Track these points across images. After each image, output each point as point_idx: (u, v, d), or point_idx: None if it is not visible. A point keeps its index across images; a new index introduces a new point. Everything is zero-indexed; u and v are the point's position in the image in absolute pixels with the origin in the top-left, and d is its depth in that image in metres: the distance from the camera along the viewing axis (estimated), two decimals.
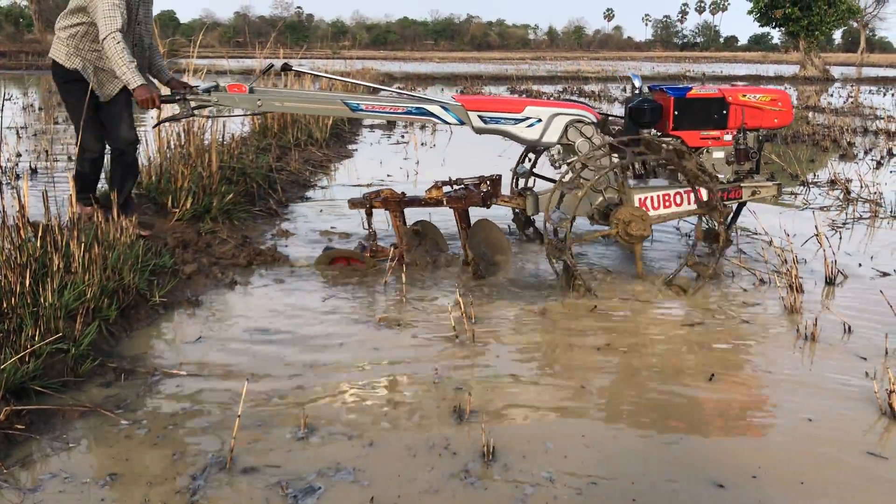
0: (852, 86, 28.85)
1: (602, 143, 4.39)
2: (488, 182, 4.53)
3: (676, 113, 4.40)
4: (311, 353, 3.37)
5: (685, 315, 3.85)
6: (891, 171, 8.30)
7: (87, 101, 4.16)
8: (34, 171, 7.16)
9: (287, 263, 4.63)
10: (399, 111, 4.37)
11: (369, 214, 4.54)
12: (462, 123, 4.44)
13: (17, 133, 9.94)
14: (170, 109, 4.82)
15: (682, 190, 4.32)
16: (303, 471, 2.42)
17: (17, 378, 2.71)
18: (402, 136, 11.39)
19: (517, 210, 5.07)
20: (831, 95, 23.42)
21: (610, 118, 4.83)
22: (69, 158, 8.07)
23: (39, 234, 3.62)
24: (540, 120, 4.44)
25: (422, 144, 10.36)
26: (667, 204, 4.31)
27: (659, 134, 4.50)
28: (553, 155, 4.55)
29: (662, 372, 3.20)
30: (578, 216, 4.27)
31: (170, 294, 3.91)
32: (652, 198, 4.29)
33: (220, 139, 6.60)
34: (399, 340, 3.53)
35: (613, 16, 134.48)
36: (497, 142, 10.78)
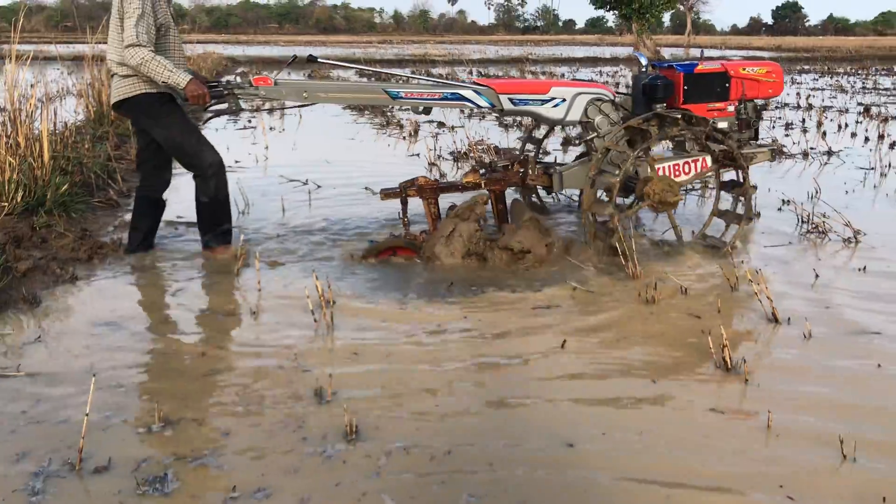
0: None
1: (617, 119, 4.62)
2: (519, 163, 4.67)
3: (686, 88, 4.63)
4: (160, 346, 3.26)
5: (536, 294, 3.98)
6: None
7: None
8: None
9: (129, 255, 4.43)
10: (436, 97, 4.38)
11: (404, 203, 4.43)
12: (493, 107, 4.48)
13: None
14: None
15: (691, 158, 4.56)
16: (158, 463, 2.35)
17: None
18: (250, 122, 11.10)
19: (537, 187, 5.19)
20: None
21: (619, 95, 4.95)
22: None
23: None
24: (564, 100, 4.56)
25: (270, 129, 10.14)
26: (686, 170, 4.55)
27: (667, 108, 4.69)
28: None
29: (516, 344, 3.32)
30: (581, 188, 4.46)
31: (2, 294, 3.66)
32: (668, 167, 4.48)
33: (53, 127, 6.21)
34: (254, 327, 3.48)
35: (457, 0, 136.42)
36: (348, 126, 10.75)
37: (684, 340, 3.34)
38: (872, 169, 7.23)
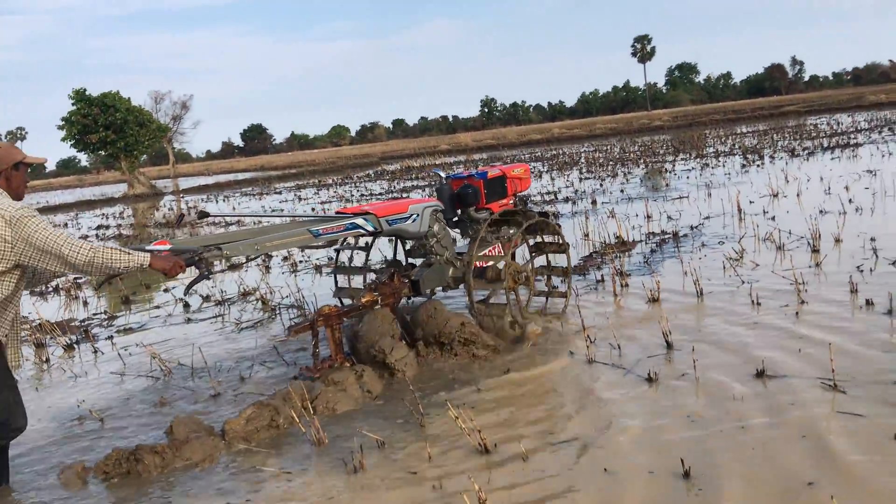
0: (182, 196, 30.63)
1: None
2: (396, 274, 5.04)
3: (486, 191, 5.61)
4: None
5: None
6: (297, 273, 8.88)
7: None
8: None
9: None
10: (341, 229, 4.56)
11: (315, 335, 4.49)
12: (376, 229, 4.75)
13: None
14: None
15: (492, 245, 5.38)
16: None
17: None
18: None
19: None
20: (170, 209, 24.51)
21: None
22: None
23: None
24: (419, 215, 5.02)
25: None
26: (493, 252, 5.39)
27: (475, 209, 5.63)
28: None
29: None
30: (438, 287, 5.23)
31: None
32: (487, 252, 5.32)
33: None
34: None
35: None
36: None
37: None
38: None
